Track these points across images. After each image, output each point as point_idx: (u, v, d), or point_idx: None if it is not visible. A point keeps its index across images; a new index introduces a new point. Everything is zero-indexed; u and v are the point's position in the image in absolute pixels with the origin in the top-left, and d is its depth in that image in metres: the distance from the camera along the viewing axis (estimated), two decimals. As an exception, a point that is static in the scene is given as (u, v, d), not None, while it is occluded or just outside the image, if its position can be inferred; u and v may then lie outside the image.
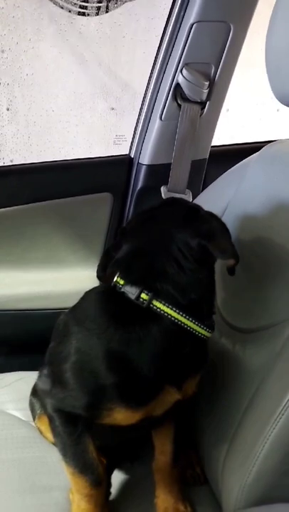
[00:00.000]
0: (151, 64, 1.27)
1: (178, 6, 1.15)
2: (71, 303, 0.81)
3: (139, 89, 1.35)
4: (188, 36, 1.15)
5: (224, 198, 1.01)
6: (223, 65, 1.21)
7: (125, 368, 0.70)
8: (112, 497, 0.84)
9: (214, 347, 0.88)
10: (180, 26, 1.16)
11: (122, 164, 1.35)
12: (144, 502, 0.84)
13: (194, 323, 0.73)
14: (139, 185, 1.34)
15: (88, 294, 0.80)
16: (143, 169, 1.32)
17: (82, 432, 0.74)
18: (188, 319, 0.72)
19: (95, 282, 0.83)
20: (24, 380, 1.10)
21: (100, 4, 1.72)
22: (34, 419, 0.95)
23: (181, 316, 0.72)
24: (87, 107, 1.92)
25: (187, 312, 0.72)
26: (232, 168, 1.06)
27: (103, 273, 0.81)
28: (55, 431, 0.76)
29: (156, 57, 1.25)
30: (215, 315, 0.80)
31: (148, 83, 1.29)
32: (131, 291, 0.72)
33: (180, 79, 1.21)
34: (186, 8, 1.14)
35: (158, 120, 1.26)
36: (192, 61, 1.19)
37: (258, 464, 0.71)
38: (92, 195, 1.33)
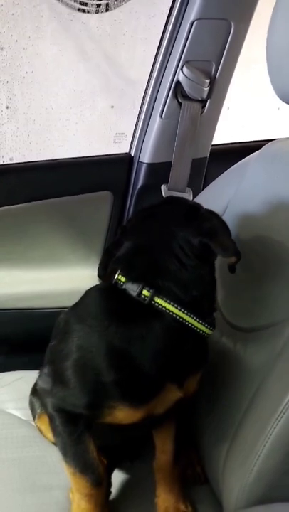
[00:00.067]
0: (152, 62, 1.27)
1: (178, 4, 1.15)
2: (71, 302, 0.81)
3: (140, 87, 1.34)
4: (188, 34, 1.15)
5: (225, 197, 1.01)
6: (224, 63, 1.20)
7: (127, 366, 0.70)
8: (112, 496, 0.84)
9: (215, 346, 0.87)
10: (180, 24, 1.16)
11: (122, 163, 1.35)
12: (144, 501, 0.84)
13: (196, 320, 0.73)
14: (140, 183, 1.33)
15: (89, 292, 0.79)
16: (143, 168, 1.32)
17: (82, 431, 0.73)
18: (189, 316, 0.72)
19: (95, 281, 0.83)
20: (24, 379, 1.09)
21: (100, 2, 1.71)
22: (34, 418, 0.95)
23: (183, 312, 0.72)
24: (87, 105, 1.91)
25: (189, 309, 0.72)
26: (232, 167, 1.06)
27: (104, 271, 0.81)
28: (55, 430, 0.76)
29: (156, 55, 1.25)
30: (216, 312, 0.80)
31: (148, 81, 1.29)
32: (132, 288, 0.72)
33: (180, 77, 1.20)
34: (186, 5, 1.14)
35: (158, 118, 1.26)
36: (193, 59, 1.19)
37: (258, 464, 0.71)
38: (92, 194, 1.33)
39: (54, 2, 1.69)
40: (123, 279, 0.74)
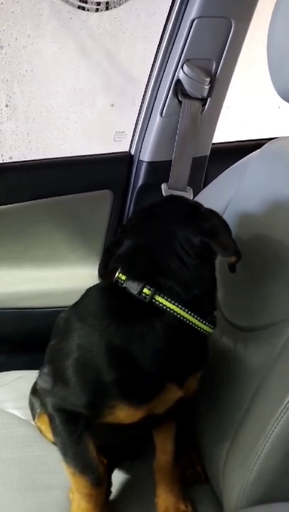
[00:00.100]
0: (152, 60, 1.26)
1: (179, 2, 1.15)
2: (72, 301, 0.80)
3: (140, 85, 1.34)
4: (189, 32, 1.15)
5: (225, 196, 1.01)
6: (225, 61, 1.20)
7: (128, 365, 0.70)
8: (112, 496, 0.84)
9: (215, 345, 0.87)
10: (181, 22, 1.16)
11: (122, 161, 1.35)
12: (144, 501, 0.84)
13: (197, 318, 0.73)
14: (140, 182, 1.33)
15: (90, 291, 0.79)
16: (143, 166, 1.32)
17: (82, 431, 0.73)
18: (191, 315, 0.72)
19: (95, 280, 0.83)
20: (24, 379, 1.09)
21: (100, 0, 1.71)
22: (34, 418, 0.95)
23: (184, 311, 0.71)
24: (87, 104, 1.91)
25: (190, 308, 0.72)
26: (233, 166, 1.06)
27: (104, 270, 0.81)
28: (55, 430, 0.75)
29: (156, 53, 1.25)
30: (216, 311, 0.80)
31: (148, 79, 1.28)
32: (133, 287, 0.72)
33: (181, 75, 1.20)
34: (187, 3, 1.14)
35: (158, 117, 1.25)
36: (193, 57, 1.19)
37: (259, 463, 0.71)
38: (92, 193, 1.32)
39: (54, 0, 1.69)
40: (124, 277, 0.73)
